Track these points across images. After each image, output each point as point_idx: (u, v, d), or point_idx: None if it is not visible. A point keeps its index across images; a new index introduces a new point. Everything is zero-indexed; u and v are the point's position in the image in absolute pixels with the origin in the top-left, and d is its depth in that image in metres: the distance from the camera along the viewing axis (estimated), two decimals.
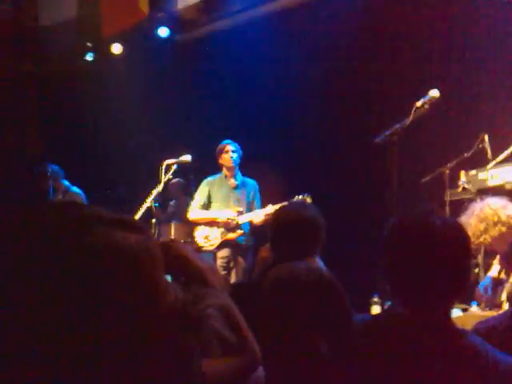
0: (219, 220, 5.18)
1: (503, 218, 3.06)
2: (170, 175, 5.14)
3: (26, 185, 6.35)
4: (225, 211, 5.22)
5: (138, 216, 5.24)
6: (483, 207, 3.14)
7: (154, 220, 5.23)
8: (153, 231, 5.25)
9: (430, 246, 1.56)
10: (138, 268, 0.69)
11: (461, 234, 1.63)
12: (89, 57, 7.62)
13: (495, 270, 3.39)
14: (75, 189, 6.04)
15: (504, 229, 3.06)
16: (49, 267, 0.63)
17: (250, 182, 5.42)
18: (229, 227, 5.17)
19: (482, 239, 3.12)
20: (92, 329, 0.63)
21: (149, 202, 5.13)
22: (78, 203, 0.72)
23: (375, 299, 3.84)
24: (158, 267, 0.71)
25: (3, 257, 0.63)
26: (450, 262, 1.56)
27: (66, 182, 6.05)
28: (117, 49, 7.33)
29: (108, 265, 0.66)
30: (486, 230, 3.10)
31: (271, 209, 4.96)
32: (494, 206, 3.11)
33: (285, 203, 4.86)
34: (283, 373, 1.49)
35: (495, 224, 3.07)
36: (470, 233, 3.03)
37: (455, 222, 1.74)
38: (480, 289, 3.46)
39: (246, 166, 5.45)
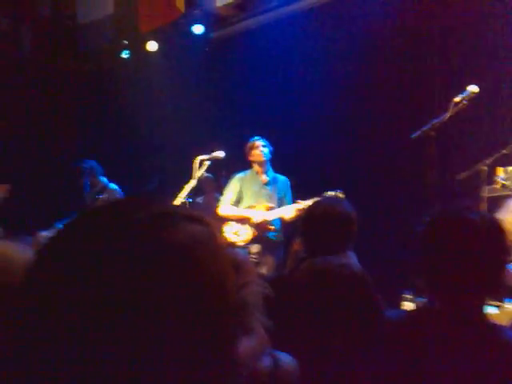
0: (250, 219, 5.18)
1: None
2: (203, 171, 5.17)
3: (62, 182, 6.47)
4: (254, 211, 5.21)
5: None
6: None
7: None
8: None
9: (468, 242, 1.57)
10: (221, 261, 0.70)
11: (498, 230, 1.64)
12: (125, 54, 7.72)
13: None
14: (113, 186, 6.12)
15: None
16: (141, 264, 0.63)
17: (282, 178, 5.40)
18: (258, 227, 5.17)
19: None
20: (179, 323, 0.64)
21: (182, 197, 5.16)
22: (159, 199, 0.73)
23: (407, 295, 3.79)
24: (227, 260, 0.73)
25: (98, 254, 0.63)
26: (486, 257, 1.57)
27: (104, 179, 6.12)
28: (152, 46, 7.40)
29: (196, 259, 0.67)
30: None
31: (302, 205, 4.94)
32: None
33: (317, 198, 4.86)
34: (313, 366, 1.48)
35: None
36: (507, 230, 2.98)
37: (493, 218, 1.74)
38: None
39: (277, 162, 5.43)
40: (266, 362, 1.63)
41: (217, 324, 0.67)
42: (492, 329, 1.58)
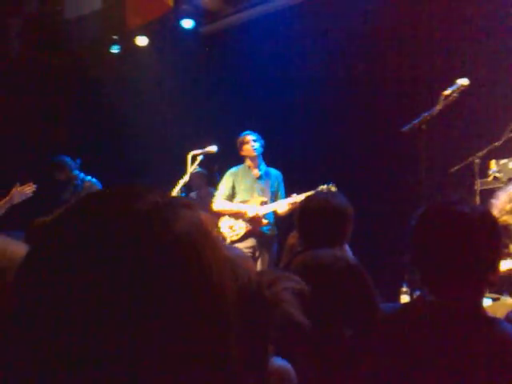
0: (244, 213, 5.19)
1: None
2: (195, 166, 5.17)
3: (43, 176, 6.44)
4: (248, 206, 5.23)
5: None
6: None
7: None
8: None
9: (460, 235, 1.56)
10: (219, 247, 0.71)
11: (490, 222, 1.63)
12: (114, 49, 7.68)
13: None
14: (91, 178, 6.11)
15: None
16: (143, 253, 0.62)
17: (274, 172, 5.41)
18: (252, 221, 5.19)
19: (505, 217, 3.09)
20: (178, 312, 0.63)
21: (176, 192, 5.16)
22: (155, 188, 0.73)
23: (404, 288, 3.82)
24: (221, 246, 0.73)
25: (97, 246, 0.62)
26: (479, 250, 1.56)
27: (81, 174, 6.12)
28: (142, 41, 7.38)
29: (200, 247, 0.67)
30: (510, 211, 3.06)
31: (295, 198, 4.96)
32: None
33: (310, 192, 4.89)
34: (308, 359, 1.49)
35: None
36: (496, 209, 3.02)
37: (485, 210, 1.72)
38: None
39: (270, 156, 5.44)
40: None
41: (219, 312, 0.67)
42: (487, 321, 1.57)
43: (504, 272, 3.48)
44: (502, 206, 3.09)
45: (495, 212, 3.10)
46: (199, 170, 6.17)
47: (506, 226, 3.33)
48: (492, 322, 1.59)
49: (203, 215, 0.73)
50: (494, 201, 3.16)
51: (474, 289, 1.59)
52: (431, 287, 1.63)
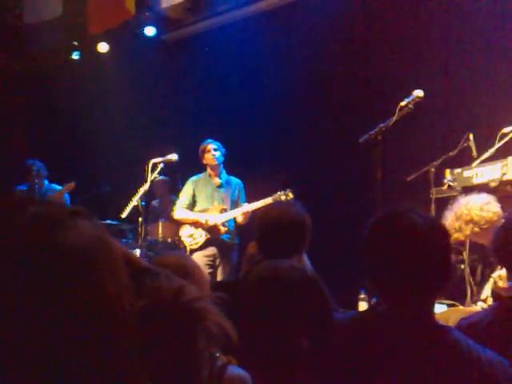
0: (202, 223, 5.19)
1: (476, 218, 3.11)
2: (156, 174, 5.14)
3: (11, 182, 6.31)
4: (209, 214, 5.22)
5: (124, 215, 5.24)
6: (461, 205, 3.19)
7: (140, 219, 5.21)
8: (140, 229, 5.25)
9: (410, 244, 1.57)
10: (115, 256, 0.69)
11: (441, 231, 1.63)
12: (75, 55, 7.58)
13: None
14: (56, 186, 6.02)
15: (477, 229, 3.11)
16: (23, 264, 0.61)
17: (235, 180, 5.43)
18: (211, 230, 5.18)
19: (457, 235, 3.18)
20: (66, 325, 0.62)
21: (135, 200, 5.13)
22: (35, 198, 0.71)
23: (362, 296, 3.86)
24: (118, 256, 0.72)
25: None
26: (430, 259, 1.57)
27: (45, 180, 6.03)
28: (103, 48, 7.31)
29: (87, 254, 0.65)
30: (459, 228, 3.16)
31: (248, 207, 5.02)
32: (470, 205, 3.16)
33: (268, 199, 4.93)
34: (265, 370, 1.49)
35: (467, 223, 3.12)
36: (448, 227, 3.10)
37: (436, 219, 1.76)
38: None
39: (230, 164, 5.46)
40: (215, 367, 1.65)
41: (112, 323, 0.66)
42: (437, 329, 1.59)
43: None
44: (451, 225, 3.18)
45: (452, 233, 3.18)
46: (162, 177, 6.14)
47: (459, 242, 3.43)
48: (443, 329, 1.61)
49: (97, 223, 0.72)
50: (443, 221, 3.24)
51: (425, 297, 1.60)
52: (383, 296, 1.65)
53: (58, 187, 6.02)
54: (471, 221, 3.12)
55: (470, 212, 3.13)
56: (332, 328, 1.52)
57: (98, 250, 0.66)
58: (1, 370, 0.60)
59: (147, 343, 0.73)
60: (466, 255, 3.83)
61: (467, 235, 3.17)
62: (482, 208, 3.13)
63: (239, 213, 5.14)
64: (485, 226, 3.01)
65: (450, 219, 3.21)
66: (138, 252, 5.15)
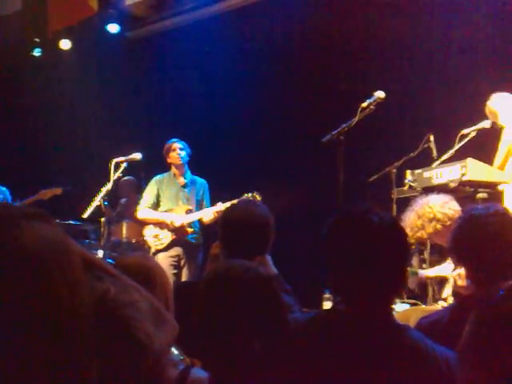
0: (169, 223, 5.14)
1: (439, 216, 3.17)
2: (119, 173, 5.08)
3: None
4: (174, 215, 5.18)
5: (86, 215, 5.15)
6: (422, 204, 3.25)
7: (103, 219, 5.14)
8: (103, 230, 5.17)
9: (367, 244, 1.58)
10: (71, 258, 0.69)
11: (398, 231, 1.64)
12: (37, 52, 7.42)
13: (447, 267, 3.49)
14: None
15: (439, 226, 3.17)
16: None
17: (200, 180, 5.40)
18: (176, 231, 5.14)
19: (419, 234, 3.24)
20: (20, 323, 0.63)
21: (98, 200, 5.05)
22: None
23: (327, 295, 3.90)
24: (75, 259, 0.71)
25: None
26: (386, 259, 1.57)
27: None
28: (66, 44, 7.17)
29: (41, 257, 0.65)
30: (422, 226, 3.22)
31: (221, 207, 4.97)
32: (432, 203, 3.22)
33: (234, 201, 4.91)
34: (219, 371, 1.49)
35: (430, 221, 3.18)
36: (408, 227, 3.16)
37: (392, 219, 1.74)
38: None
39: (194, 164, 5.43)
40: (176, 370, 1.64)
41: (64, 319, 0.66)
42: (396, 329, 1.60)
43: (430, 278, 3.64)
44: (414, 223, 3.24)
45: (408, 230, 3.24)
46: (129, 177, 6.08)
47: (422, 241, 3.49)
48: (401, 329, 1.62)
49: (56, 226, 0.71)
50: (404, 220, 3.30)
51: (382, 297, 1.61)
52: (342, 296, 1.65)
53: (3, 188, 5.88)
54: (434, 218, 3.17)
55: (432, 210, 3.19)
56: (286, 329, 1.52)
57: (50, 251, 0.66)
58: None
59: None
60: (427, 254, 3.91)
61: (430, 233, 3.22)
62: (443, 206, 3.19)
63: (209, 212, 5.11)
64: (447, 224, 3.07)
65: (412, 218, 3.26)
66: (100, 253, 5.08)
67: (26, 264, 0.64)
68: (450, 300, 3.40)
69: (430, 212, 3.19)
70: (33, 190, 5.98)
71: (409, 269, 3.57)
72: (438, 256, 3.87)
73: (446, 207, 3.17)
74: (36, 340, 0.63)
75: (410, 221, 3.25)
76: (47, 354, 0.64)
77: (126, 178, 5.92)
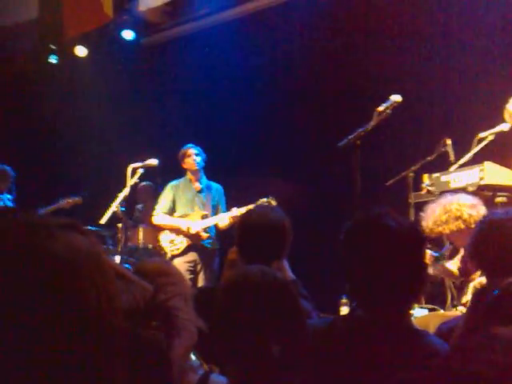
0: (182, 230, 5.16)
1: (465, 216, 3.13)
2: (136, 179, 5.10)
3: None
4: (190, 221, 5.19)
5: (104, 220, 5.18)
6: (452, 200, 3.21)
7: (120, 224, 5.16)
8: (119, 235, 5.20)
9: (385, 249, 1.57)
10: (102, 268, 0.70)
11: (415, 235, 1.63)
12: (52, 59, 7.50)
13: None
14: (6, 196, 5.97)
15: (463, 226, 3.13)
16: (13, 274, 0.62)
17: (215, 185, 5.41)
18: (191, 237, 5.15)
19: (440, 229, 3.20)
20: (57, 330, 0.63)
21: (115, 206, 5.08)
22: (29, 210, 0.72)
23: (344, 300, 3.87)
24: (108, 270, 0.72)
25: None
26: (405, 264, 1.56)
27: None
28: (81, 51, 7.24)
29: (74, 266, 0.66)
30: (446, 222, 3.17)
31: (236, 212, 4.98)
32: (462, 201, 3.18)
33: (249, 206, 4.91)
34: (238, 376, 1.49)
35: (456, 219, 3.14)
36: (431, 220, 3.12)
37: (410, 223, 1.75)
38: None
39: (210, 169, 5.44)
40: (196, 376, 1.64)
41: (97, 330, 0.67)
42: (415, 335, 1.59)
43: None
44: (438, 217, 3.19)
45: (429, 222, 3.21)
46: (147, 183, 6.11)
47: (439, 236, 3.45)
48: (419, 335, 1.61)
49: (90, 237, 0.72)
50: (427, 212, 3.26)
51: (400, 302, 1.60)
52: (359, 301, 1.65)
53: (9, 196, 5.94)
54: (460, 217, 3.13)
55: (461, 208, 3.14)
56: (304, 334, 1.52)
57: (84, 261, 0.67)
58: None
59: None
60: (448, 251, 3.86)
61: (452, 230, 3.17)
62: (472, 207, 3.15)
63: (224, 217, 5.11)
64: (471, 226, 3.03)
65: (437, 211, 3.21)
66: (118, 258, 5.10)
67: (59, 273, 0.65)
68: None
69: (457, 210, 3.14)
70: (50, 196, 6.02)
71: (436, 254, 3.53)
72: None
73: (474, 209, 3.13)
74: (65, 349, 0.63)
75: (435, 214, 3.20)
76: (77, 366, 0.64)
77: (144, 183, 5.95)
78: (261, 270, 1.56)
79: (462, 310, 3.36)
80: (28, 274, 0.63)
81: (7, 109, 7.80)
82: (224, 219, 5.12)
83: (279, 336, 1.43)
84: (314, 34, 5.71)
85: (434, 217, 3.20)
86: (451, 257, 3.66)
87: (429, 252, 3.41)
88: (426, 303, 3.76)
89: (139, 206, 6.51)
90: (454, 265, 3.50)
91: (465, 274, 3.29)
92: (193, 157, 5.26)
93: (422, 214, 3.30)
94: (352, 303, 3.52)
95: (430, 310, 3.64)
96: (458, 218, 3.14)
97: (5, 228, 0.65)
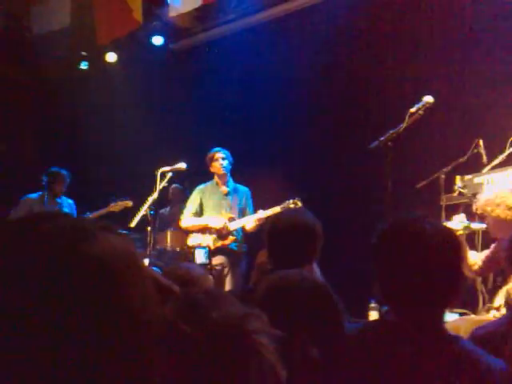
0: (210, 226, 5.17)
1: None
2: (165, 183, 5.14)
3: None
4: (215, 218, 5.20)
5: (133, 224, 5.23)
6: (510, 190, 3.15)
7: (149, 228, 5.21)
8: (148, 239, 5.24)
9: (420, 252, 1.54)
10: (140, 272, 0.70)
11: (451, 239, 1.60)
12: (84, 65, 7.63)
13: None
14: (67, 200, 6.04)
15: (510, 218, 3.07)
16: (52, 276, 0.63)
17: (242, 188, 5.41)
18: (220, 234, 5.16)
19: (489, 209, 3.14)
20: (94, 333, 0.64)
21: (144, 209, 5.12)
22: (65, 213, 0.73)
23: (372, 305, 3.83)
24: (146, 274, 0.72)
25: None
26: (440, 267, 1.53)
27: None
28: (112, 57, 7.35)
29: (115, 272, 0.67)
30: (498, 205, 3.11)
31: (262, 214, 4.97)
32: None
33: (276, 208, 4.90)
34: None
35: (509, 209, 3.08)
36: (483, 199, 3.07)
37: (446, 227, 1.70)
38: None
39: (238, 171, 5.44)
40: None
41: (135, 334, 0.67)
42: (449, 340, 1.55)
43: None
44: (492, 199, 3.14)
45: (483, 201, 3.16)
46: (176, 185, 6.15)
47: (484, 216, 3.37)
48: (453, 340, 1.57)
49: (128, 240, 0.73)
50: (486, 192, 3.22)
51: (434, 307, 1.57)
52: (392, 305, 1.62)
53: (70, 201, 6.03)
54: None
55: None
56: (343, 338, 1.50)
57: (122, 264, 0.68)
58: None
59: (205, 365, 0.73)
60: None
61: (498, 216, 3.11)
62: None
63: (251, 220, 5.11)
64: None
65: (493, 194, 3.17)
66: (146, 261, 5.14)
67: (100, 275, 0.65)
68: (503, 310, 3.29)
69: None
70: (83, 201, 6.11)
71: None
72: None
73: None
74: (103, 353, 0.64)
75: (490, 195, 3.16)
76: (114, 370, 0.65)
77: (176, 186, 5.99)
78: (299, 274, 1.55)
79: (495, 314, 3.29)
80: (71, 278, 0.63)
81: (40, 116, 7.97)
82: (250, 221, 5.12)
83: (319, 337, 1.43)
84: (343, 35, 5.68)
85: (489, 196, 3.15)
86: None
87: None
88: (456, 307, 3.69)
89: (166, 210, 6.55)
90: (476, 255, 3.42)
91: (483, 271, 3.24)
92: (220, 161, 5.27)
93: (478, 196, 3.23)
94: (382, 308, 3.49)
95: (461, 314, 3.58)
96: (510, 208, 3.08)
97: (45, 232, 0.66)
